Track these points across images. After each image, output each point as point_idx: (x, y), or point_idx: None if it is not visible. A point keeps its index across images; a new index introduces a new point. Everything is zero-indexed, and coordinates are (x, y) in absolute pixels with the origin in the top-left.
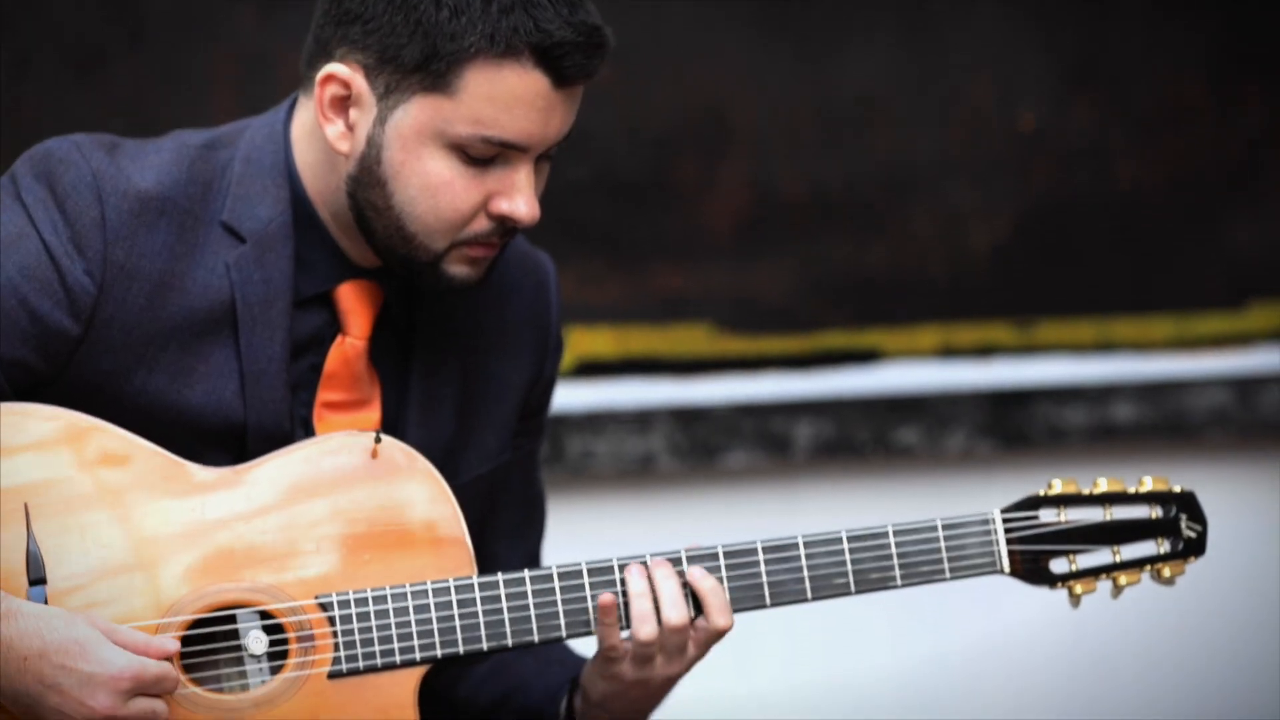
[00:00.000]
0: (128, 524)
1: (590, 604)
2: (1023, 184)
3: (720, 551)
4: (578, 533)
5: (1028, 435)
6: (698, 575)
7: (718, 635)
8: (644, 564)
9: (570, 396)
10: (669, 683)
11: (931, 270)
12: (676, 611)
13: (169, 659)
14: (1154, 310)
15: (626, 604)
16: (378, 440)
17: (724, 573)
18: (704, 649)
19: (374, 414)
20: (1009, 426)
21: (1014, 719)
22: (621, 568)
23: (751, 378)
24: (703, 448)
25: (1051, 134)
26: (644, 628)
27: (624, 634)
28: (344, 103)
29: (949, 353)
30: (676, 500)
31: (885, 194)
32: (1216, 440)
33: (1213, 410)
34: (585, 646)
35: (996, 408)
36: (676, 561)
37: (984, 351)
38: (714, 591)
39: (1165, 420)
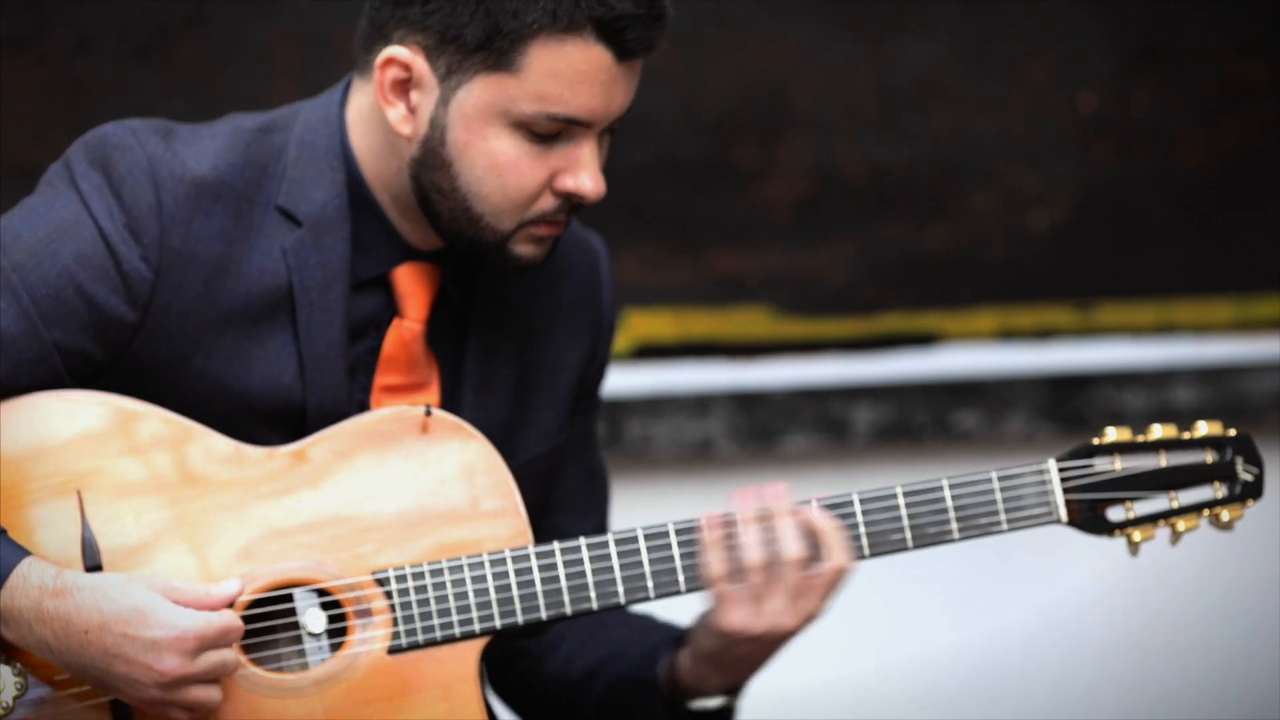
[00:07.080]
0: (179, 507)
1: (647, 569)
2: (1083, 165)
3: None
4: (636, 516)
5: (1087, 418)
6: (815, 514)
7: (837, 577)
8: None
9: (629, 380)
10: (783, 638)
11: (991, 252)
12: (793, 545)
13: (231, 605)
14: (1214, 292)
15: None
16: (428, 414)
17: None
18: (823, 598)
19: (432, 397)
20: (1068, 410)
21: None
22: (696, 521)
23: (810, 361)
24: (762, 431)
25: (1112, 115)
26: (752, 553)
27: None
28: (405, 85)
29: (1008, 335)
30: (735, 483)
31: (945, 176)
32: (1277, 424)
33: (1273, 393)
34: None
35: (1056, 391)
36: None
37: (1043, 334)
38: (833, 530)
39: (1225, 403)
